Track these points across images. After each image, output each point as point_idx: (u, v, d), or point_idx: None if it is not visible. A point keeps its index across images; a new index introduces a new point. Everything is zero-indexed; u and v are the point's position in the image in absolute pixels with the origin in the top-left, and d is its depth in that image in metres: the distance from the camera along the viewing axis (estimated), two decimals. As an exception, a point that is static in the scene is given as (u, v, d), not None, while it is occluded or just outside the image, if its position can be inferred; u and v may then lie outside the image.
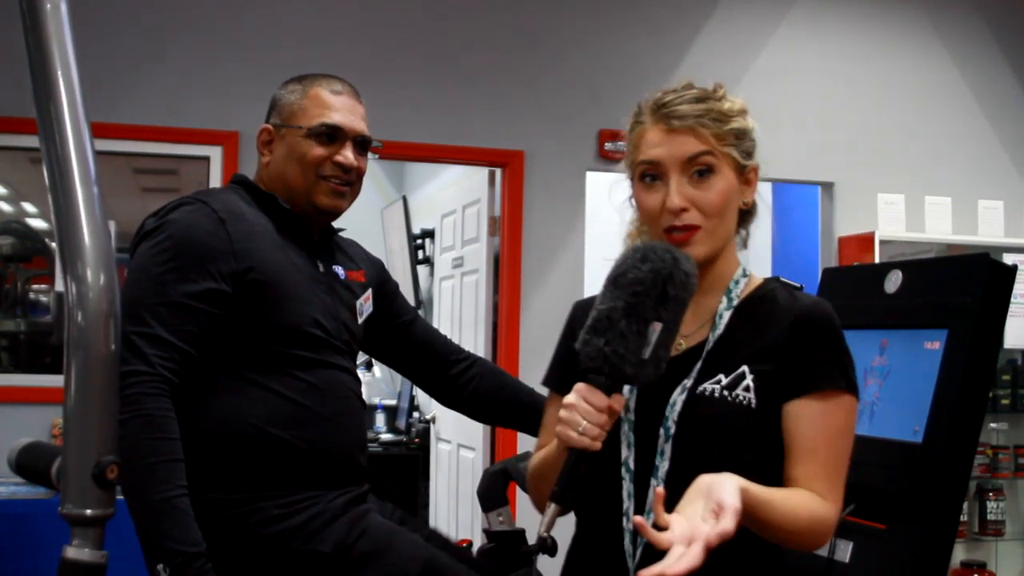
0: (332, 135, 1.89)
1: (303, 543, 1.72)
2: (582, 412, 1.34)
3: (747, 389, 1.46)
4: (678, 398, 1.47)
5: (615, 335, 1.31)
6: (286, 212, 1.89)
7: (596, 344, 1.32)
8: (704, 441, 1.45)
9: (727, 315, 1.53)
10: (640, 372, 1.33)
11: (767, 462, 1.47)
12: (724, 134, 1.50)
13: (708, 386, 1.47)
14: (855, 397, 1.50)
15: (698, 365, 1.49)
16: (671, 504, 1.41)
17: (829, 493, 1.45)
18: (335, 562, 1.73)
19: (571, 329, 1.63)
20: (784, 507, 1.40)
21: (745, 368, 1.48)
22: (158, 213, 1.81)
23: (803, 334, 1.49)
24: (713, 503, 1.24)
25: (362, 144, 1.93)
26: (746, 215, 1.60)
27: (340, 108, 1.91)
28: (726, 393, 1.46)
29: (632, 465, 1.47)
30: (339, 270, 1.96)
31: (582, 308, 1.64)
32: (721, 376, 1.48)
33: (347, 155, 1.89)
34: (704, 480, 1.28)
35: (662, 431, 1.46)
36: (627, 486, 1.47)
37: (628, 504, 1.47)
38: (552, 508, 1.35)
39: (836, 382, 1.47)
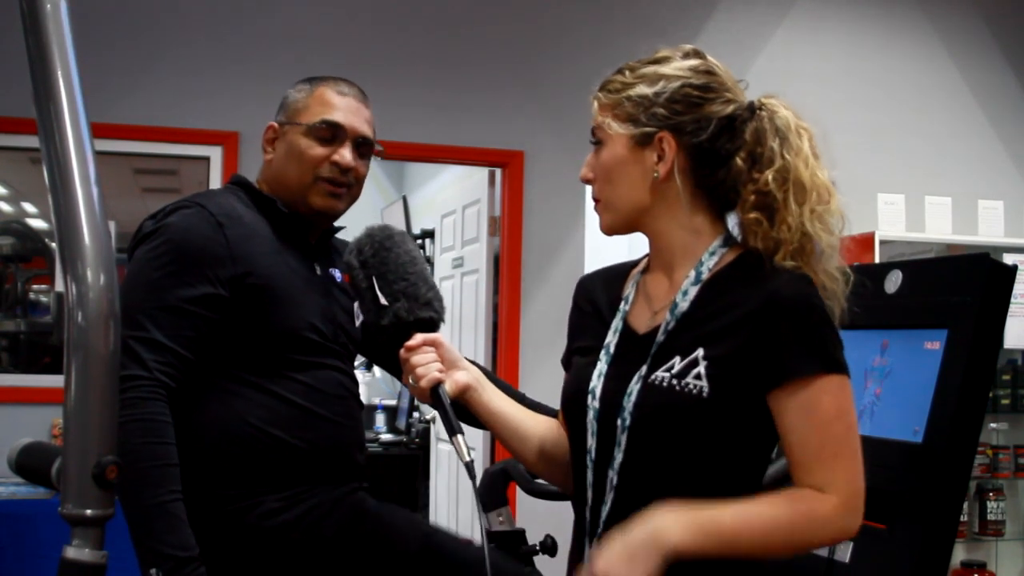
0: (332, 134, 1.87)
1: (305, 532, 1.73)
2: (426, 360, 1.52)
3: (699, 376, 1.39)
4: (634, 388, 1.43)
5: (366, 308, 1.58)
6: (285, 215, 1.88)
7: (369, 320, 1.60)
8: (657, 435, 1.41)
9: (693, 291, 1.45)
10: (393, 312, 1.55)
11: (725, 451, 1.42)
12: (614, 104, 1.50)
13: (660, 374, 1.41)
14: (841, 375, 1.38)
15: (653, 349, 1.44)
16: (626, 493, 1.43)
17: (830, 483, 1.35)
18: (338, 544, 1.74)
19: (576, 308, 1.65)
20: (750, 528, 1.34)
21: (700, 351, 1.40)
22: (156, 216, 1.80)
23: (770, 318, 1.37)
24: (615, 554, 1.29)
25: (363, 146, 1.91)
26: (710, 193, 1.48)
27: (343, 108, 1.89)
28: (675, 382, 1.39)
29: (594, 454, 1.46)
30: (336, 273, 1.96)
31: (582, 286, 1.66)
32: (676, 360, 1.41)
33: (344, 155, 1.87)
34: (641, 526, 1.31)
35: (619, 422, 1.43)
36: (589, 475, 1.47)
37: (589, 493, 1.47)
38: (459, 438, 1.47)
39: (811, 367, 1.36)
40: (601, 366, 1.49)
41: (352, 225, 2.14)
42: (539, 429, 1.62)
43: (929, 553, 2.07)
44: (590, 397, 1.47)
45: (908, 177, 4.97)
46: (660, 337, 1.45)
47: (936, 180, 5.01)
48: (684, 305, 1.45)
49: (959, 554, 4.29)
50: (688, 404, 1.39)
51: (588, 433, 1.47)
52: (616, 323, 1.52)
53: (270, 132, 1.93)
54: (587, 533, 1.47)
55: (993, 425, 4.50)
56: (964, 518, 4.35)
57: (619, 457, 1.43)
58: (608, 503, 1.44)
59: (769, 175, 1.44)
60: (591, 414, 1.46)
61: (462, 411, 1.58)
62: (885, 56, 5.06)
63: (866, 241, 4.73)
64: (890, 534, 2.09)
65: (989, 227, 5.03)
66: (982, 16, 5.17)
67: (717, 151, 1.47)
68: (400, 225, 6.29)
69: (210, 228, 1.76)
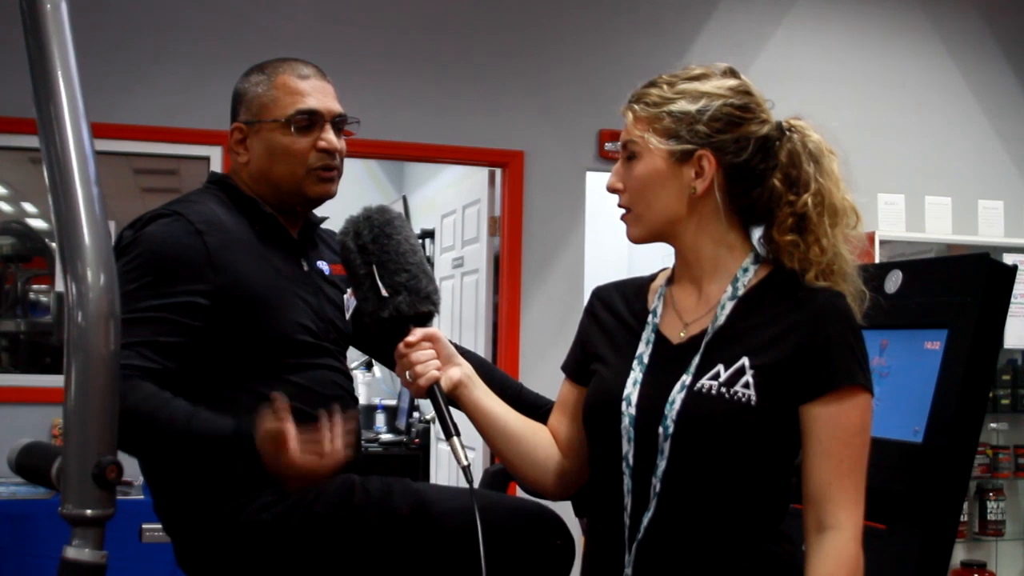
0: (310, 121, 1.84)
1: (300, 516, 1.71)
2: (425, 357, 1.54)
3: (747, 385, 1.43)
4: (677, 396, 1.45)
5: (363, 295, 1.58)
6: (267, 215, 1.85)
7: (366, 310, 1.58)
8: (703, 442, 1.43)
9: (730, 305, 1.50)
10: (394, 306, 1.55)
11: (769, 460, 1.46)
12: (652, 118, 1.51)
13: (706, 382, 1.44)
14: (871, 394, 1.45)
15: (696, 359, 1.47)
16: (670, 501, 1.44)
17: (842, 509, 1.41)
18: (331, 519, 1.72)
19: (591, 317, 1.65)
20: None
21: (745, 361, 1.44)
22: (134, 225, 1.76)
23: (817, 331, 1.44)
24: None
25: (340, 123, 1.88)
26: (742, 210, 1.53)
27: (312, 91, 1.86)
28: (724, 391, 1.43)
29: (631, 461, 1.47)
30: (323, 266, 1.93)
31: (599, 297, 1.67)
32: (720, 368, 1.45)
33: (329, 139, 1.84)
34: None
35: (661, 430, 1.45)
36: (627, 482, 1.47)
37: (627, 500, 1.47)
38: (456, 440, 1.52)
39: (852, 379, 1.43)
40: (635, 375, 1.51)
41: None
42: (524, 431, 1.65)
43: (929, 553, 2.07)
44: (624, 404, 1.49)
45: (908, 177, 4.97)
46: (702, 347, 1.48)
47: (936, 180, 5.01)
48: (723, 318, 1.49)
49: (959, 554, 4.29)
50: (737, 412, 1.42)
51: (624, 440, 1.48)
52: (648, 334, 1.55)
53: (237, 134, 1.90)
54: (626, 540, 1.47)
55: (993, 425, 4.51)
56: (964, 518, 4.35)
57: (662, 465, 1.45)
58: (651, 510, 1.45)
59: (808, 198, 1.50)
60: (626, 421, 1.48)
61: (450, 402, 1.59)
62: (885, 56, 5.05)
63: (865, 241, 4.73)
64: (890, 534, 2.09)
65: (989, 227, 5.03)
66: (982, 16, 5.17)
67: (752, 170, 1.51)
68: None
69: (189, 236, 1.72)
